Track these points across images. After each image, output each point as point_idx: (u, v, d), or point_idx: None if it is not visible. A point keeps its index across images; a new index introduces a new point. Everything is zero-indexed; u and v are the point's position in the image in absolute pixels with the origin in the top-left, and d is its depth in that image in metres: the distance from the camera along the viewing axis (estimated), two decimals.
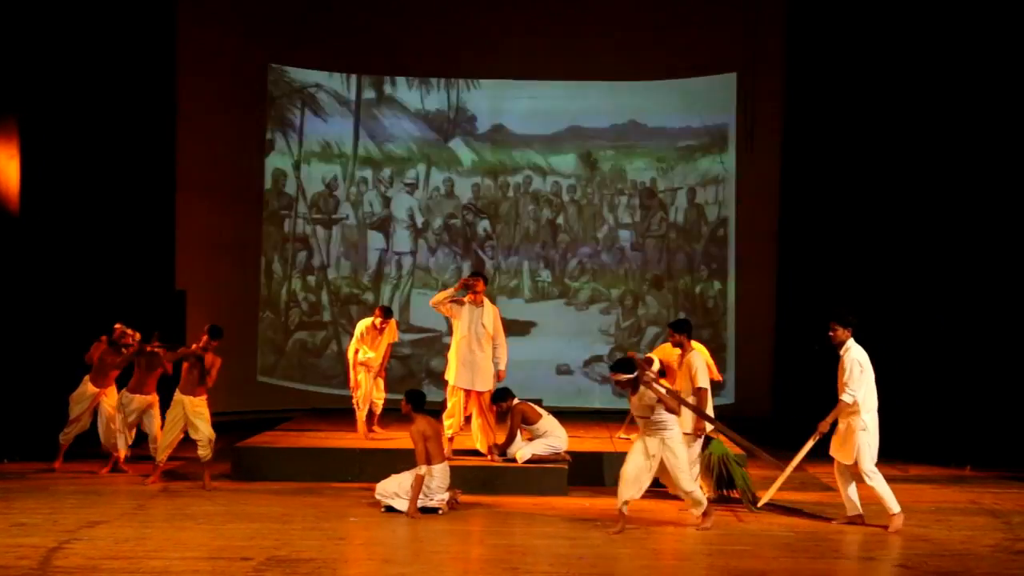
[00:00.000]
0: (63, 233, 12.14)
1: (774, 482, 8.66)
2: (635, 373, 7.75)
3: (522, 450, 9.45)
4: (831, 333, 8.18)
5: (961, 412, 11.82)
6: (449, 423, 9.66)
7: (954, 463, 11.19)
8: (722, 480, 8.80)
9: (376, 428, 11.03)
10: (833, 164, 13.21)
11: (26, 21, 11.62)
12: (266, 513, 8.33)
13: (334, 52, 15.61)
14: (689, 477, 7.88)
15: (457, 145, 17.23)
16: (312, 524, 7.95)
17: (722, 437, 8.71)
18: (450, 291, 9.89)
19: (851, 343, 8.08)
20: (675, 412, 7.79)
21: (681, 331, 8.71)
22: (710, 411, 8.58)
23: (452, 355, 9.73)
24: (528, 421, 9.51)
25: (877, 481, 7.97)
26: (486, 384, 9.62)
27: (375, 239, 16.98)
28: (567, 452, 9.55)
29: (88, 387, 10.23)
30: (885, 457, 11.30)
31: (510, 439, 9.55)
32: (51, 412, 11.43)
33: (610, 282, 16.83)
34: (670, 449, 7.72)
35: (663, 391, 7.77)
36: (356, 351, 11.07)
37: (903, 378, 12.32)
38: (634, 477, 7.71)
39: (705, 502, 7.89)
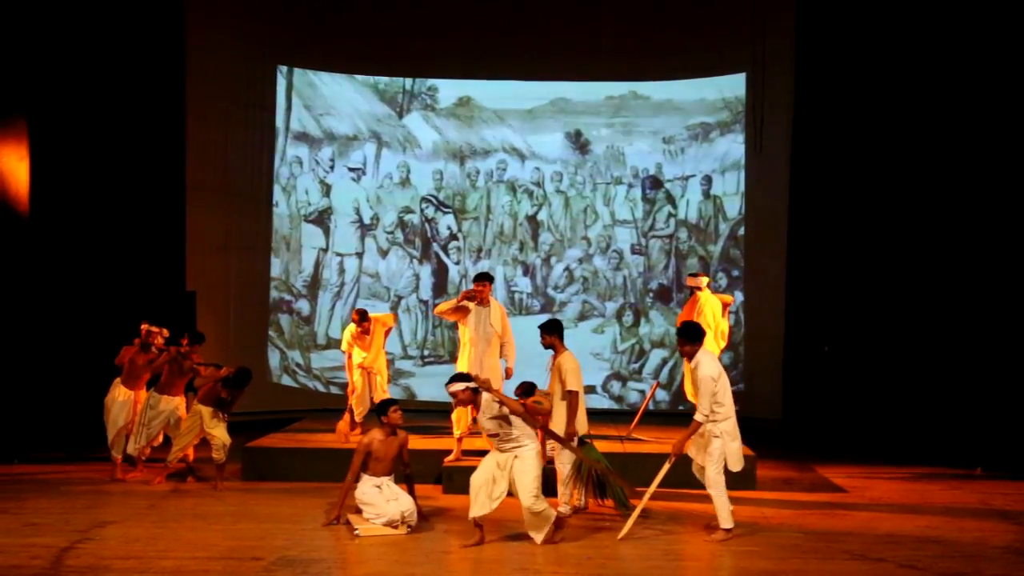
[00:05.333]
0: (73, 234, 12.28)
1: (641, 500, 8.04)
2: (473, 383, 7.51)
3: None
4: (680, 349, 7.92)
5: (972, 413, 11.83)
6: (457, 422, 9.69)
7: (965, 464, 11.18)
8: (595, 487, 8.41)
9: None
10: (843, 165, 13.21)
11: (35, 23, 11.71)
12: (276, 513, 8.39)
13: (344, 54, 14.76)
14: (533, 493, 7.37)
15: (415, 121, 14.70)
16: (321, 524, 7.99)
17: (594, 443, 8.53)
18: (453, 302, 9.82)
19: (700, 357, 7.72)
20: (518, 412, 7.47)
21: (552, 332, 8.42)
22: (583, 414, 8.32)
23: (462, 359, 9.73)
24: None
25: (717, 490, 7.64)
26: (495, 383, 9.63)
27: (311, 234, 14.56)
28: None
29: (120, 390, 10.07)
30: (902, 459, 11.41)
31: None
32: (60, 412, 11.60)
33: (605, 293, 14.57)
34: (521, 460, 7.42)
35: (509, 399, 7.57)
36: (349, 355, 10.93)
37: (915, 379, 12.38)
38: (482, 487, 7.40)
39: (552, 516, 7.49)
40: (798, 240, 13.62)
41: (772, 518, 8.42)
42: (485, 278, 9.75)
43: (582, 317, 14.47)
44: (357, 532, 7.55)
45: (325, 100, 14.68)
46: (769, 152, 13.86)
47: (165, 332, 10.14)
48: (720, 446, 7.62)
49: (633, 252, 14.61)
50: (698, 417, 7.60)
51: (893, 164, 12.86)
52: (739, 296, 14.23)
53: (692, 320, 9.55)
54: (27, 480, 9.89)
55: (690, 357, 7.80)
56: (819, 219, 13.40)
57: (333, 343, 14.41)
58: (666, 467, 7.80)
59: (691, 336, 7.82)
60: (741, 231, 14.39)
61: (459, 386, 7.52)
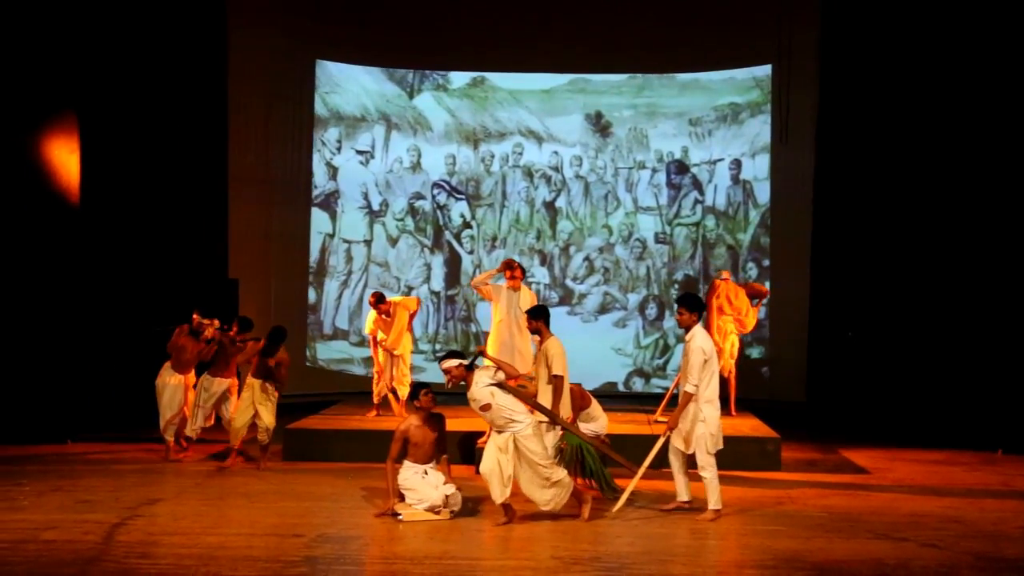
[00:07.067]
0: (121, 224, 12.53)
1: (632, 480, 7.98)
2: (466, 360, 7.38)
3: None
4: (678, 317, 7.78)
5: (993, 396, 11.72)
6: None
7: (986, 446, 11.07)
8: (578, 468, 8.31)
9: (402, 411, 10.80)
10: (868, 153, 13.10)
11: (85, 21, 11.85)
12: (316, 492, 8.47)
13: (382, 48, 14.44)
14: (545, 464, 7.36)
15: (426, 102, 13.79)
16: (359, 503, 8.06)
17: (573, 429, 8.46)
18: (492, 272, 9.97)
19: (696, 329, 7.63)
20: (514, 376, 7.45)
21: (537, 317, 8.34)
22: (567, 396, 8.27)
23: (491, 340, 9.79)
24: (583, 405, 9.42)
25: (710, 473, 7.56)
26: (525, 367, 9.64)
27: (317, 219, 13.71)
28: (606, 436, 9.54)
29: (171, 375, 10.09)
30: (924, 441, 11.32)
31: (572, 420, 9.29)
32: (110, 394, 11.83)
33: (627, 285, 13.72)
34: (522, 443, 7.31)
35: (507, 364, 7.57)
36: (373, 338, 10.97)
37: (937, 363, 12.27)
38: (492, 474, 7.32)
39: (570, 484, 7.45)
40: (823, 226, 13.50)
41: (797, 498, 8.39)
42: (518, 264, 9.84)
43: (603, 310, 13.73)
44: (400, 517, 7.50)
45: (331, 78, 13.70)
46: (795, 140, 13.65)
47: (216, 323, 10.20)
48: (704, 430, 7.56)
49: (657, 241, 13.82)
50: (689, 389, 7.54)
51: (918, 150, 12.73)
52: (766, 283, 13.88)
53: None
54: (79, 459, 10.03)
55: (687, 328, 7.73)
56: (844, 205, 13.30)
57: (340, 333, 14.14)
58: (660, 442, 7.79)
59: (691, 306, 7.76)
60: (770, 219, 13.87)
61: (452, 362, 7.43)
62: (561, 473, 7.49)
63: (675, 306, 8.65)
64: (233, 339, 10.05)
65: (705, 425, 7.58)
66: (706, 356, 7.57)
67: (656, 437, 8.06)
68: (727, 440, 9.02)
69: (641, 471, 7.86)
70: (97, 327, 12.03)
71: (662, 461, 7.97)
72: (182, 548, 6.59)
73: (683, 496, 7.83)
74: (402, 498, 7.69)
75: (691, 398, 7.57)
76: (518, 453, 7.38)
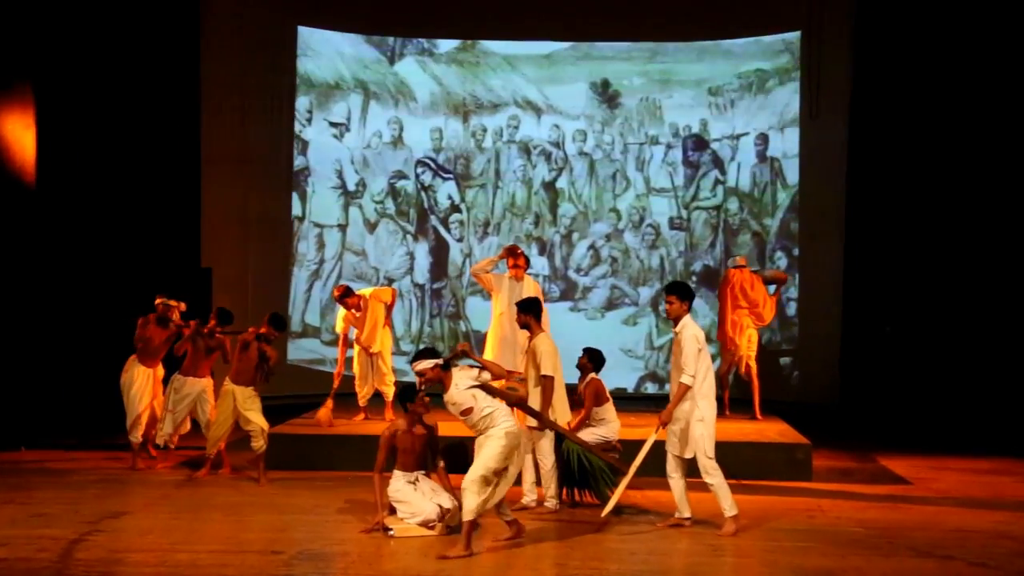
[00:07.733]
0: (82, 207, 12.49)
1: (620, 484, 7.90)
2: (440, 359, 7.19)
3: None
4: (668, 306, 7.71)
5: None
6: None
7: None
8: (572, 478, 8.22)
9: (378, 415, 10.88)
10: (907, 127, 13.03)
11: None
12: (296, 504, 8.41)
13: (365, 13, 14.13)
14: (475, 478, 6.92)
15: (409, 68, 13.41)
16: (345, 517, 8.00)
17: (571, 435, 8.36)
18: (493, 259, 9.91)
19: (687, 320, 7.59)
20: (501, 376, 7.37)
21: (528, 312, 8.28)
22: (562, 402, 8.24)
23: (491, 335, 9.73)
24: (598, 402, 9.31)
25: (716, 477, 7.48)
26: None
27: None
28: (617, 442, 9.46)
29: (137, 369, 9.89)
30: (971, 448, 11.26)
31: (585, 417, 9.09)
32: (68, 396, 11.77)
33: (638, 277, 13.35)
34: (488, 438, 7.07)
35: (491, 363, 7.49)
36: (343, 337, 10.88)
37: (984, 361, 12.22)
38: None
39: (466, 518, 6.99)
40: (858, 209, 13.43)
41: (829, 511, 8.33)
42: (521, 251, 9.77)
43: (610, 306, 13.45)
44: (391, 532, 7.40)
45: (302, 38, 13.22)
46: (827, 114, 13.49)
47: (182, 306, 10.10)
48: (703, 430, 7.48)
49: (672, 227, 13.58)
50: (685, 380, 7.45)
51: (962, 123, 12.67)
52: (795, 274, 13.83)
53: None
54: (34, 468, 9.96)
55: (676, 319, 7.67)
56: (881, 186, 13.24)
57: (310, 330, 13.90)
58: (652, 439, 7.71)
59: (683, 294, 7.71)
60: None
61: (426, 363, 7.21)
62: (469, 497, 6.97)
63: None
64: (212, 331, 9.86)
65: (704, 425, 7.51)
66: (700, 345, 7.52)
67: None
68: (752, 447, 8.98)
69: (630, 473, 7.79)
70: (55, 321, 11.96)
71: (649, 469, 7.78)
72: (148, 567, 6.52)
73: (684, 512, 7.72)
74: (393, 511, 7.60)
75: (687, 391, 7.49)
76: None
